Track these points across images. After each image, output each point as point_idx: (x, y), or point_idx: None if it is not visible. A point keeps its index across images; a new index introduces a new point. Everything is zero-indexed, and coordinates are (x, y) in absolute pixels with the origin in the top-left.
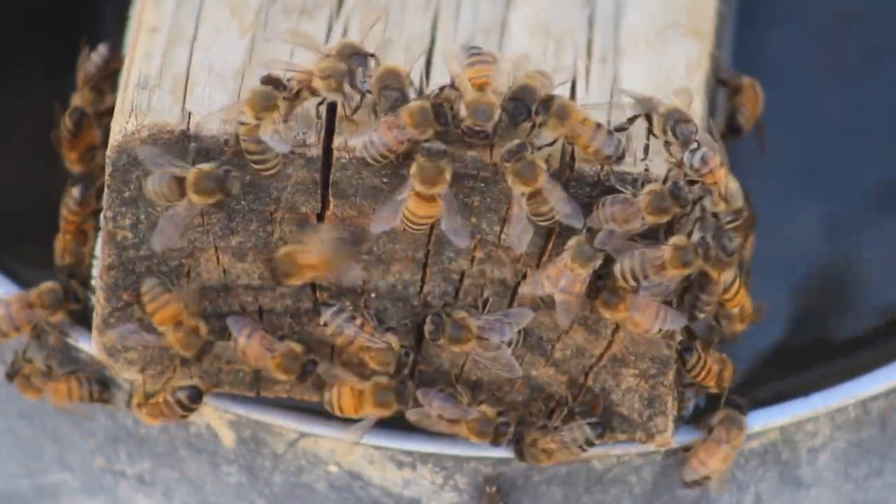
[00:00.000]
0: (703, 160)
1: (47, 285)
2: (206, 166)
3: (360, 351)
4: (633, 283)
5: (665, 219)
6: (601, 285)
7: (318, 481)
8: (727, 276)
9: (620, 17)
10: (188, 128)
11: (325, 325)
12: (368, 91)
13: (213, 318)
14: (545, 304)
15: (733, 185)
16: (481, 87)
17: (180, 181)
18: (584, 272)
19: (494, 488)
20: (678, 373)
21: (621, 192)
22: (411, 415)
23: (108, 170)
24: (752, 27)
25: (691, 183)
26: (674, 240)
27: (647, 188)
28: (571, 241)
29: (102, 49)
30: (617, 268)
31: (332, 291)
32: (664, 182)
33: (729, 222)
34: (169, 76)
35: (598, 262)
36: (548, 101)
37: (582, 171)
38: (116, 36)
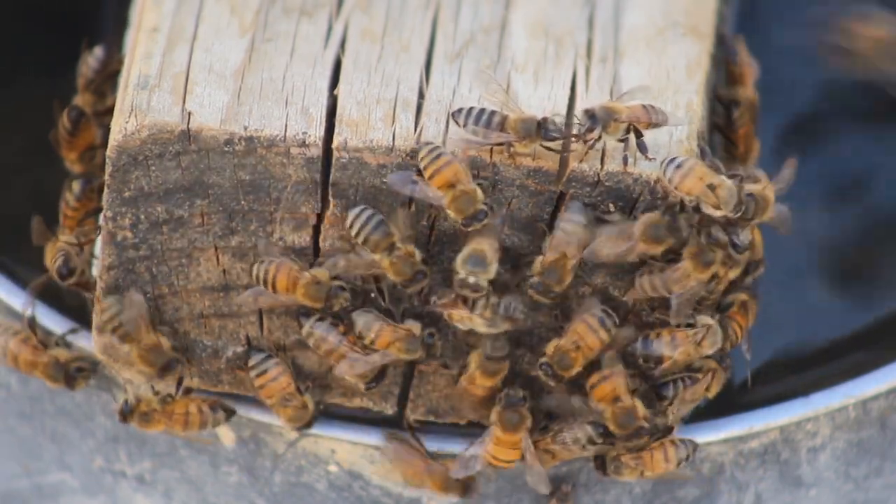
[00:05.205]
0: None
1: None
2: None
3: (388, 345)
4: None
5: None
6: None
7: (318, 481)
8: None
9: (620, 17)
10: (188, 128)
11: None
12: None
13: (214, 317)
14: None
15: (726, 189)
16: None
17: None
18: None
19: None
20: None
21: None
22: None
23: (108, 170)
24: (753, 27)
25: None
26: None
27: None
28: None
29: (98, 52)
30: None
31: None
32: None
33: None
34: (169, 76)
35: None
36: None
37: (582, 170)
38: (116, 36)
